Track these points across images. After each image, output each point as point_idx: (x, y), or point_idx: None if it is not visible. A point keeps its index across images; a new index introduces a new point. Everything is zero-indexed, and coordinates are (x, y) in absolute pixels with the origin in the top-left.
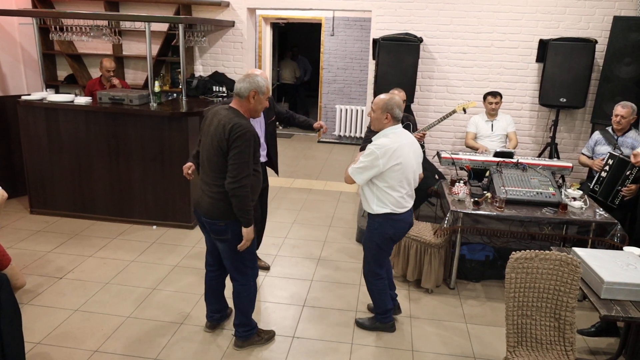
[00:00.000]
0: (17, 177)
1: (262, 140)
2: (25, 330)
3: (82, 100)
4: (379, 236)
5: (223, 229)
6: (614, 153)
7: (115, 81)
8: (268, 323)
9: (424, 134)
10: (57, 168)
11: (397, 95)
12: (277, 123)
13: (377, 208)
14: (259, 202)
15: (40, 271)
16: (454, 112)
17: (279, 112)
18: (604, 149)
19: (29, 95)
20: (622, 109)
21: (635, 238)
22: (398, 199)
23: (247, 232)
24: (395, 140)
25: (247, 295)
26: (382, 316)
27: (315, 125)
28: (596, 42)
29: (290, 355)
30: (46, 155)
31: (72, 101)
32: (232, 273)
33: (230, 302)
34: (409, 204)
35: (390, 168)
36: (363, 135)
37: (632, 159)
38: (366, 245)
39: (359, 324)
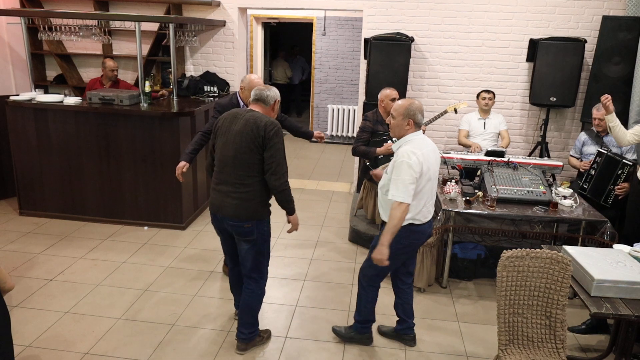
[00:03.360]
0: (6, 178)
1: None
2: (15, 333)
3: (72, 100)
4: (396, 247)
5: (250, 230)
6: (602, 150)
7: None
8: (261, 323)
9: (424, 130)
10: (46, 169)
11: (413, 100)
12: None
13: None
14: None
15: (30, 273)
16: (445, 112)
17: None
18: (592, 149)
19: (18, 95)
20: (597, 112)
21: (625, 235)
22: (421, 209)
23: (294, 218)
24: (420, 146)
25: (260, 295)
26: (362, 325)
27: (316, 134)
28: (585, 41)
29: (283, 355)
30: (35, 156)
31: (62, 101)
32: (251, 272)
33: None
34: (430, 214)
35: (422, 177)
36: (355, 134)
37: (602, 98)
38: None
39: (335, 332)
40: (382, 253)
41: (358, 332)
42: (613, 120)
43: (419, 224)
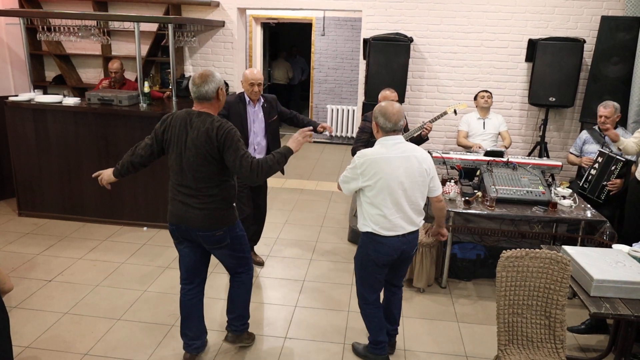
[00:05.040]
0: (5, 179)
1: (263, 138)
2: (14, 334)
3: (71, 101)
4: (362, 255)
5: (221, 237)
6: (603, 150)
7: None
8: (260, 324)
9: (430, 129)
10: (45, 170)
11: (393, 105)
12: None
13: (361, 225)
14: (256, 198)
15: (29, 274)
16: (445, 113)
17: (282, 112)
18: (593, 148)
19: (17, 96)
20: (604, 110)
21: (624, 235)
22: (380, 219)
23: (296, 147)
24: (380, 152)
25: (250, 282)
26: (373, 346)
27: (320, 127)
28: (584, 41)
29: (283, 355)
30: (34, 157)
31: (61, 102)
32: (237, 267)
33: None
34: (401, 228)
35: (368, 181)
36: (354, 134)
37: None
38: (354, 261)
39: (354, 348)
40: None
41: (372, 353)
42: (621, 143)
43: (381, 235)
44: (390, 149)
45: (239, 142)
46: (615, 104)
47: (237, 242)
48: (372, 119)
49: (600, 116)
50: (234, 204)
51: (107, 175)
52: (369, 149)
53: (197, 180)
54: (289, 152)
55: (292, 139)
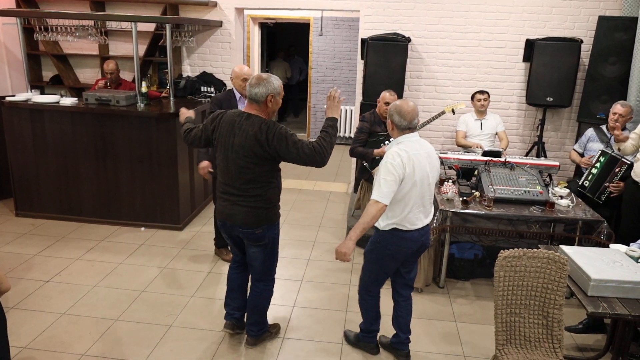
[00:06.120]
0: (3, 179)
1: None
2: (11, 334)
3: (68, 101)
4: (378, 251)
5: (261, 235)
6: (605, 150)
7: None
8: None
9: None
10: (43, 170)
11: (407, 102)
12: None
13: (383, 223)
14: None
15: (26, 274)
16: (442, 113)
17: None
18: (596, 146)
19: (14, 96)
20: (621, 108)
21: (621, 235)
22: (406, 215)
23: (338, 113)
24: (406, 149)
25: (269, 295)
26: (364, 334)
27: None
28: (582, 41)
29: (281, 355)
30: (32, 157)
31: (58, 102)
32: (260, 275)
33: None
34: (420, 221)
35: (404, 179)
36: (352, 135)
37: (614, 132)
38: (365, 254)
39: (345, 336)
40: (346, 246)
41: (363, 340)
42: (622, 144)
43: (405, 230)
44: (415, 145)
45: (291, 135)
46: (632, 105)
47: (273, 243)
48: (389, 117)
49: (615, 113)
50: (279, 204)
51: (183, 115)
52: (395, 148)
53: (242, 181)
54: (335, 121)
55: (328, 109)
